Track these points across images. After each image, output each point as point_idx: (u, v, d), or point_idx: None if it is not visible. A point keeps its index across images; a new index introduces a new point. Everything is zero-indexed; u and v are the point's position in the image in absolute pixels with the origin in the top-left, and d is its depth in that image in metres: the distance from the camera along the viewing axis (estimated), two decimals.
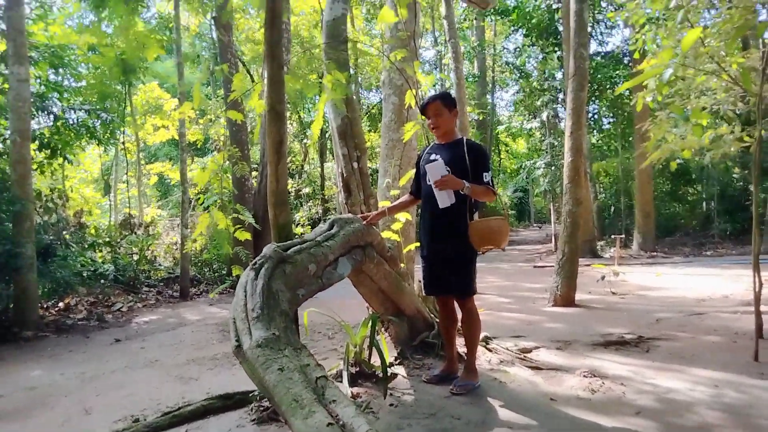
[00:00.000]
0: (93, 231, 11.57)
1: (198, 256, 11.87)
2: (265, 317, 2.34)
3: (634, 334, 4.91)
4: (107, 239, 11.05)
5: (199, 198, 15.67)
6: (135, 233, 13.16)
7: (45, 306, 8.00)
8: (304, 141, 21.84)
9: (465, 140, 3.21)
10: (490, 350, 3.84)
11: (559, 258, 6.84)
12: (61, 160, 9.38)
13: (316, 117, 3.79)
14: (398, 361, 3.61)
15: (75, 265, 8.22)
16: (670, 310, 6.08)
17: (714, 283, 8.17)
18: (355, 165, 3.99)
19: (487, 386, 3.22)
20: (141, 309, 8.27)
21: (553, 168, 13.54)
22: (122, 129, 13.42)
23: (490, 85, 26.29)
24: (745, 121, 5.02)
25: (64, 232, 11.59)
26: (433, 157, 3.21)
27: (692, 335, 4.78)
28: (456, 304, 3.33)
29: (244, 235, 3.79)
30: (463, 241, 3.09)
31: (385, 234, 4.54)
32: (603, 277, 7.72)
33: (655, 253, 13.85)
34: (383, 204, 4.85)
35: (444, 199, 3.02)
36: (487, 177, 3.12)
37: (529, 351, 4.12)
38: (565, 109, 13.95)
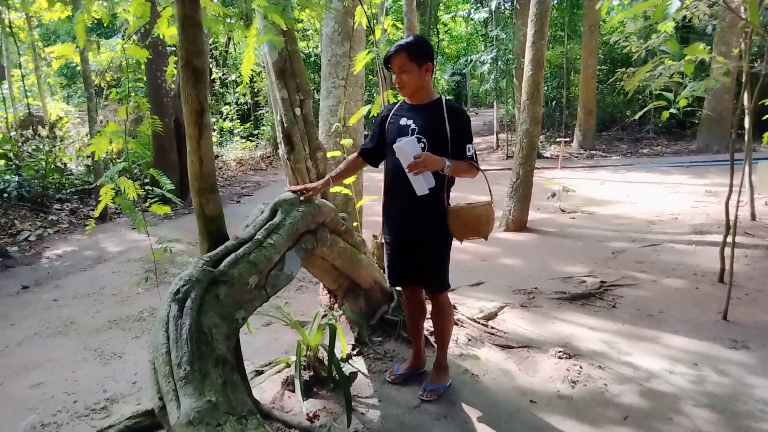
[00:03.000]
0: None
1: (115, 161, 10.69)
2: (195, 377, 1.76)
3: (594, 276, 4.71)
4: (5, 145, 9.63)
5: (111, 91, 14.06)
6: (38, 135, 11.67)
7: None
8: (227, 19, 19.67)
9: (444, 102, 2.55)
10: (456, 323, 3.46)
11: (512, 180, 6.46)
12: None
13: (245, 54, 2.94)
14: (356, 350, 3.16)
15: None
16: (623, 238, 5.94)
17: (658, 197, 8.15)
18: (298, 111, 3.23)
19: (460, 384, 2.86)
20: (53, 237, 7.35)
21: (499, 63, 12.80)
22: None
23: None
24: None
25: None
26: (405, 122, 2.54)
27: (653, 277, 4.62)
28: (424, 294, 2.86)
29: (163, 209, 3.07)
30: (440, 228, 2.54)
31: (334, 190, 3.92)
32: (553, 195, 7.48)
33: (594, 152, 13.88)
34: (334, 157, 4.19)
35: (421, 185, 2.40)
36: (470, 150, 2.52)
37: (495, 315, 3.80)
38: (515, 0, 13.06)
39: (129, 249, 6.74)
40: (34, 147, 10.57)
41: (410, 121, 2.54)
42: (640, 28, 7.41)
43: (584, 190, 8.76)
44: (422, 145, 2.44)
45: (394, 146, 2.41)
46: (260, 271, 2.26)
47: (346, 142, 3.62)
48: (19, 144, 10.84)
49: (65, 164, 10.77)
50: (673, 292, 4.29)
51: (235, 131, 15.76)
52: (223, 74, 16.17)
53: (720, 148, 12.82)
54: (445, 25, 31.34)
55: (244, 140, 15.50)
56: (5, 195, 8.28)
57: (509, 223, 6.49)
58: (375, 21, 4.64)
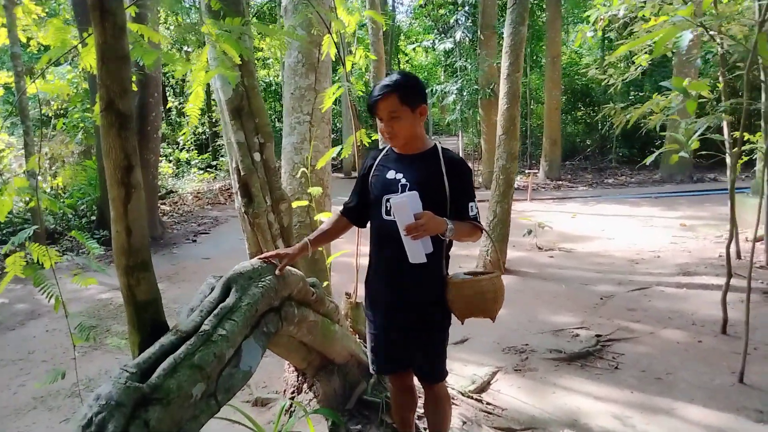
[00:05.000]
0: None
1: (61, 197, 9.89)
2: None
3: (587, 329, 4.30)
4: None
5: (58, 121, 13.21)
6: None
7: None
8: (185, 49, 19.07)
9: (441, 150, 2.09)
10: None
11: (489, 219, 6.06)
12: None
13: (192, 90, 2.43)
14: None
15: None
16: (608, 281, 5.60)
17: (633, 232, 7.92)
18: (257, 157, 2.72)
19: None
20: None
21: (464, 94, 12.60)
22: None
23: None
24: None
25: None
26: (394, 176, 2.07)
27: (650, 328, 4.24)
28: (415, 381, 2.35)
29: (88, 281, 2.51)
30: (438, 305, 2.07)
31: (296, 203, 3.41)
32: (530, 232, 7.14)
33: (560, 182, 13.77)
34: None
35: (418, 251, 1.92)
36: (473, 209, 2.07)
37: (488, 385, 3.32)
38: (479, 30, 12.94)
39: (68, 300, 5.89)
40: None
41: (399, 175, 2.06)
42: (610, 61, 7.30)
43: (558, 224, 8.47)
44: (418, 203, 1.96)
45: (391, 201, 1.92)
46: (208, 375, 1.72)
47: (314, 190, 3.12)
48: None
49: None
50: (675, 347, 3.91)
51: (192, 162, 15.06)
52: (180, 103, 15.51)
53: (683, 177, 12.89)
54: (406, 54, 31.49)
55: (201, 171, 14.81)
56: None
57: (487, 265, 6.07)
58: (346, 51, 4.21)
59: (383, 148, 2.24)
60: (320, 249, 3.19)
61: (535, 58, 17.42)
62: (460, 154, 15.15)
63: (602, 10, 5.97)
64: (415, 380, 2.35)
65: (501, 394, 3.25)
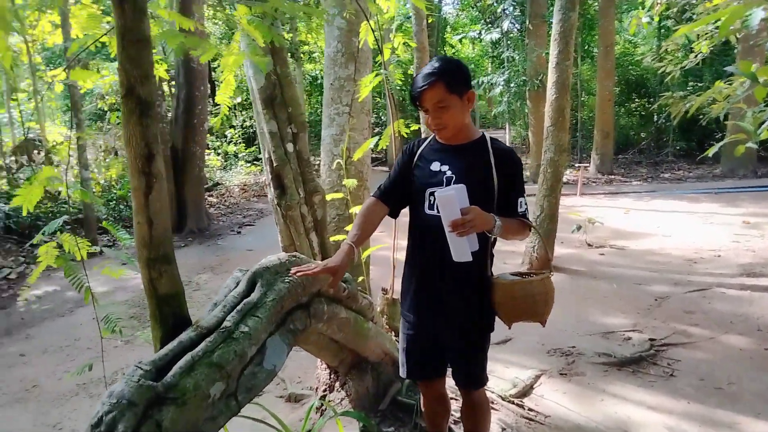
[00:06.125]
0: None
1: (109, 192, 10.19)
2: None
3: (640, 331, 4.05)
4: None
5: (111, 115, 13.62)
6: (33, 161, 11.21)
7: None
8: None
9: (489, 141, 1.92)
10: None
11: (536, 215, 5.83)
12: None
13: (223, 79, 2.36)
14: None
15: None
16: (664, 280, 5.27)
17: (692, 229, 7.47)
18: (290, 147, 2.63)
19: None
20: (48, 271, 6.76)
21: (512, 86, 12.25)
22: None
23: None
24: None
25: None
26: (438, 167, 1.91)
27: (709, 333, 3.95)
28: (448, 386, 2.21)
29: (119, 273, 2.48)
30: (483, 307, 1.93)
31: (333, 196, 3.29)
32: (579, 228, 6.83)
33: (612, 176, 13.23)
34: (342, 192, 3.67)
35: (463, 249, 1.76)
36: (523, 205, 1.91)
37: (531, 389, 3.14)
38: (527, 20, 12.55)
39: (115, 289, 6.14)
40: (27, 174, 10.10)
41: (444, 167, 1.90)
42: (666, 49, 6.87)
43: (609, 220, 8.09)
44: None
45: (436, 194, 1.77)
46: (228, 374, 1.64)
47: (349, 182, 3.00)
48: (13, 171, 10.39)
49: (59, 192, 10.25)
50: (738, 354, 3.61)
51: (240, 155, 15.27)
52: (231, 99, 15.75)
53: (746, 172, 12.15)
54: (452, 46, 31.03)
55: (248, 164, 15.00)
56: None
57: (533, 261, 5.84)
58: (383, 39, 4.08)
59: (426, 138, 2.09)
60: None
61: (586, 48, 16.77)
62: None
63: None
64: (450, 383, 2.21)
65: (544, 399, 3.07)
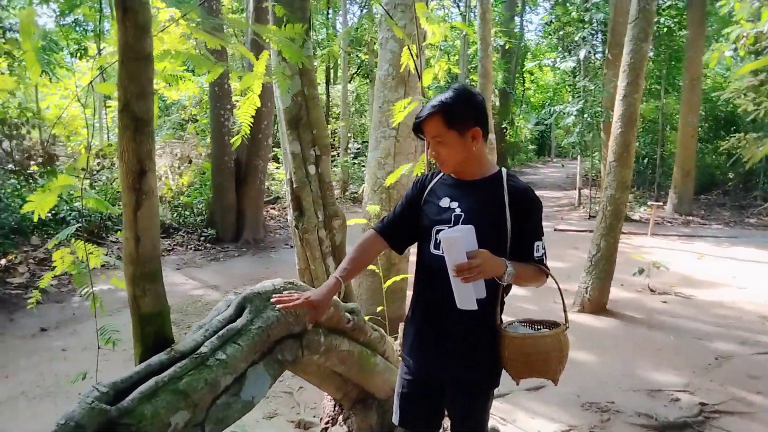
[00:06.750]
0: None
1: (176, 198, 10.62)
2: None
3: (691, 393, 3.67)
4: (72, 173, 9.76)
5: (189, 126, 14.30)
6: (113, 165, 11.93)
7: None
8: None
9: (506, 177, 1.79)
10: None
11: (591, 254, 5.49)
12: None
13: (247, 95, 2.35)
14: None
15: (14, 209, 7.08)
16: (730, 337, 4.79)
17: None
18: (312, 169, 2.59)
19: None
20: (96, 272, 7.09)
21: (585, 116, 11.79)
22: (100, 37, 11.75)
23: (520, 5, 23.73)
24: None
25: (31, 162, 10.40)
26: (448, 204, 1.79)
27: None
28: None
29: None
30: (488, 362, 1.76)
31: (351, 222, 3.19)
32: (641, 271, 6.38)
33: (690, 218, 12.38)
34: (369, 210, 3.57)
35: (468, 296, 1.62)
36: (539, 249, 1.74)
37: None
38: (607, 49, 12.09)
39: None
40: (106, 176, 10.75)
41: (454, 203, 1.78)
42: (751, 84, 6.37)
43: (679, 264, 7.53)
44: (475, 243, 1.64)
45: (440, 235, 1.64)
46: (194, 402, 1.58)
47: (372, 209, 2.91)
48: (94, 173, 11.06)
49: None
50: None
51: None
52: None
53: None
54: (532, 73, 30.50)
55: None
56: (64, 225, 8.25)
57: (585, 303, 5.50)
58: (429, 64, 4.00)
59: (440, 171, 1.97)
60: (377, 271, 2.97)
61: (672, 80, 15.96)
62: (578, 180, 14.24)
63: (747, 26, 5.22)
64: None
65: None
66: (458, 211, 1.76)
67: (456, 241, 1.58)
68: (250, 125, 2.34)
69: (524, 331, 1.82)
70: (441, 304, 1.75)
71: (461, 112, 1.69)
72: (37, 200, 2.03)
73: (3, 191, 7.78)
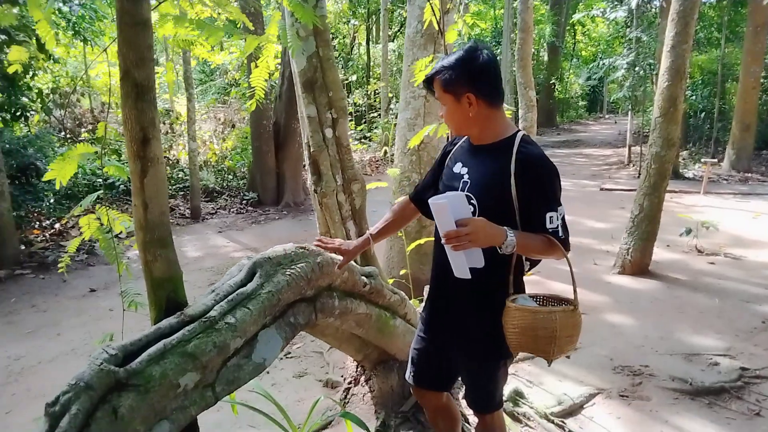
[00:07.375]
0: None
1: (220, 163, 10.83)
2: None
3: (732, 357, 3.54)
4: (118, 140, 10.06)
5: (232, 90, 14.44)
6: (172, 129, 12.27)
7: (43, 225, 7.28)
8: (352, 21, 19.61)
9: (517, 143, 1.65)
10: (518, 419, 2.60)
11: (633, 214, 5.29)
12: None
13: (261, 57, 2.32)
14: None
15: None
16: None
17: None
18: (329, 133, 2.56)
19: None
20: (123, 236, 7.40)
21: (636, 69, 11.19)
22: None
23: None
24: None
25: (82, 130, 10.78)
26: (459, 169, 1.75)
27: None
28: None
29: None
30: (492, 334, 1.71)
31: (373, 186, 3.14)
32: (689, 232, 6.12)
33: (749, 175, 11.71)
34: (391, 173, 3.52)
35: (461, 264, 1.59)
36: (553, 220, 1.62)
37: (579, 410, 2.86)
38: None
39: (206, 255, 6.54)
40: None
41: (464, 169, 1.72)
42: None
43: (731, 224, 7.18)
44: (471, 207, 1.61)
45: (429, 201, 1.58)
46: (204, 365, 1.62)
47: (393, 172, 2.87)
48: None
49: (177, 160, 11.09)
50: None
51: (349, 133, 15.59)
52: (345, 77, 16.14)
53: None
54: (583, 25, 29.07)
55: (356, 142, 15.28)
56: (113, 189, 8.57)
57: (626, 265, 5.33)
58: (458, 16, 3.85)
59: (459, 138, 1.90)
60: (400, 235, 2.96)
61: (734, 28, 14.90)
62: (629, 136, 13.64)
63: None
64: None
65: (593, 422, 2.77)
66: (466, 177, 1.71)
67: (442, 208, 1.53)
68: (264, 89, 2.32)
69: (524, 303, 1.73)
70: (447, 271, 1.70)
71: (455, 76, 1.62)
72: (57, 168, 2.08)
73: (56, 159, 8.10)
